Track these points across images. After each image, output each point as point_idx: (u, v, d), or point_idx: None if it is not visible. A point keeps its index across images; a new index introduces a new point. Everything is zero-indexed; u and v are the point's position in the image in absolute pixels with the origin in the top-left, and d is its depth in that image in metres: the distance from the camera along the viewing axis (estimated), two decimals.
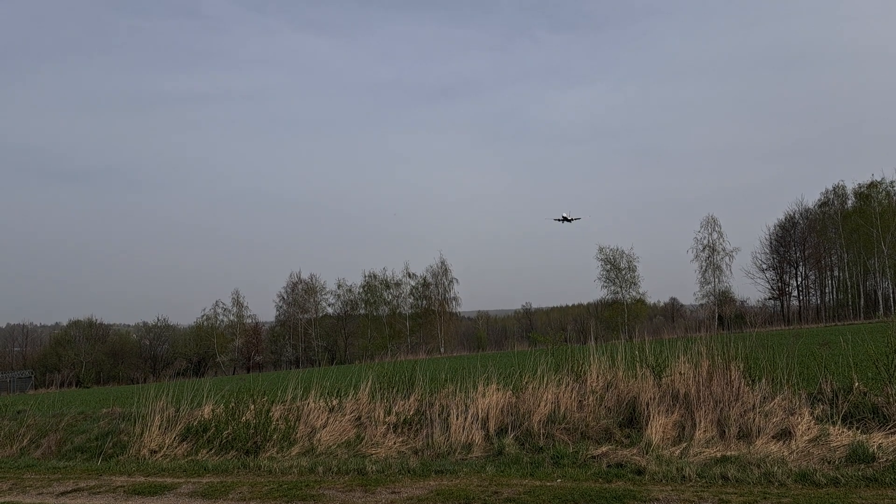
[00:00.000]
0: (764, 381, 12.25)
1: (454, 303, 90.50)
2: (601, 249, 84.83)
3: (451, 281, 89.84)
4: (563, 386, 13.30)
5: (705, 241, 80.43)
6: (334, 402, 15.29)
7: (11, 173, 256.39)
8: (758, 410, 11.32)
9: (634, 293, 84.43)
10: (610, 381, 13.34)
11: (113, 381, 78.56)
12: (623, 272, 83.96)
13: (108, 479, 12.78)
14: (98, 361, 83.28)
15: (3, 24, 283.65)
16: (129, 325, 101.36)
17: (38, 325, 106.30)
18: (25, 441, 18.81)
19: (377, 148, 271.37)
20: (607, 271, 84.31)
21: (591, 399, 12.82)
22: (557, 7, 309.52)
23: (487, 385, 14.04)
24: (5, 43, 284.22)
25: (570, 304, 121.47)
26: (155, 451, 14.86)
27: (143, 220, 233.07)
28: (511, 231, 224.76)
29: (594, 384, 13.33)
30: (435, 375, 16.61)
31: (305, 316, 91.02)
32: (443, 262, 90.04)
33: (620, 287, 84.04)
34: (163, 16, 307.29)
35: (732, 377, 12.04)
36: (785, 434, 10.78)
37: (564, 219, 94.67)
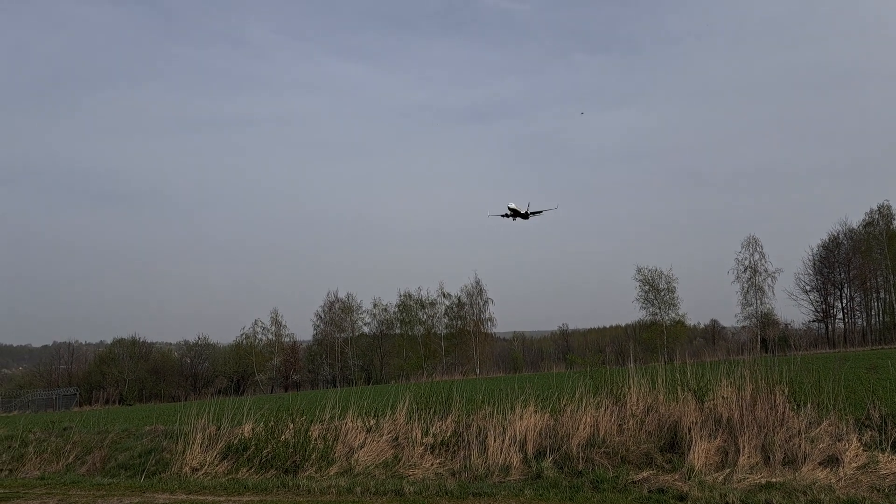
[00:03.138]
0: (809, 406, 11.96)
1: (489, 323, 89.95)
2: (639, 270, 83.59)
3: (487, 301, 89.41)
4: (603, 409, 13.16)
5: (747, 262, 78.81)
6: (372, 423, 15.35)
7: (63, 194, 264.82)
8: (803, 436, 11.05)
9: (674, 314, 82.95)
10: (650, 405, 13.16)
11: (155, 399, 79.81)
12: (662, 293, 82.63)
13: (151, 496, 12.99)
14: (141, 379, 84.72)
15: (57, 51, 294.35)
16: (170, 344, 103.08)
17: (84, 343, 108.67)
18: (71, 457, 19.25)
19: (412, 169, 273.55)
20: (646, 292, 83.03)
21: (631, 423, 12.66)
22: (593, 30, 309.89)
23: (525, 407, 13.95)
24: (59, 70, 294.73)
25: (608, 326, 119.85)
26: (196, 469, 15.07)
27: (185, 240, 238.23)
28: (547, 251, 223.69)
29: (634, 407, 13.16)
30: (471, 396, 16.59)
31: (342, 335, 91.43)
32: (478, 283, 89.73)
33: (659, 308, 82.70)
34: (209, 43, 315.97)
35: (777, 402, 11.78)
36: (832, 461, 10.50)
37: (515, 213, 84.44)
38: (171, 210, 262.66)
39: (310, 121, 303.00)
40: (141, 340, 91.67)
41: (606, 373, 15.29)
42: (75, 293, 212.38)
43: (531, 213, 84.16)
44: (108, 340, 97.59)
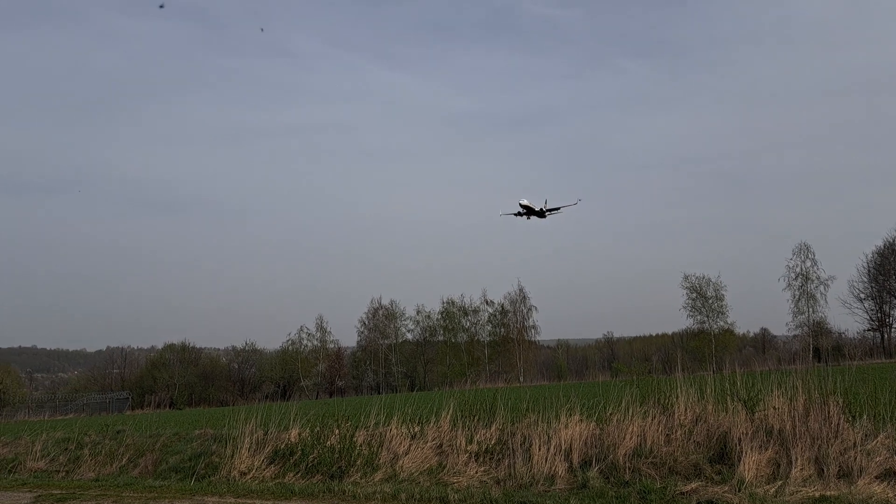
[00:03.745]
0: (865, 417, 11.60)
1: (533, 331, 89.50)
2: (686, 277, 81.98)
3: (530, 309, 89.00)
4: (650, 418, 12.97)
5: (798, 269, 76.66)
6: (416, 429, 15.40)
7: (116, 203, 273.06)
8: (859, 449, 10.72)
9: (722, 323, 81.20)
10: (699, 415, 12.92)
11: (204, 403, 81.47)
12: (710, 301, 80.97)
13: (201, 498, 13.28)
14: (190, 384, 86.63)
15: (111, 66, 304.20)
16: (219, 349, 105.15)
17: (136, 348, 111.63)
18: (124, 460, 19.76)
19: (456, 176, 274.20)
20: (693, 300, 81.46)
21: (679, 433, 12.45)
22: (636, 34, 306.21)
23: (570, 416, 13.83)
24: (111, 83, 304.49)
25: (654, 334, 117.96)
26: (244, 473, 15.34)
27: (233, 247, 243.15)
28: (591, 258, 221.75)
29: (682, 417, 12.94)
30: (516, 405, 16.50)
31: (386, 342, 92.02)
32: (521, 290, 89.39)
33: (707, 316, 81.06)
34: (256, 55, 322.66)
35: (831, 413, 11.46)
36: (889, 474, 10.17)
37: (529, 211, 79.35)
38: (220, 218, 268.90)
39: (355, 129, 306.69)
40: (190, 346, 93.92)
41: (653, 382, 15.06)
42: (128, 299, 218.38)
43: (547, 210, 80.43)
44: (160, 346, 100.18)
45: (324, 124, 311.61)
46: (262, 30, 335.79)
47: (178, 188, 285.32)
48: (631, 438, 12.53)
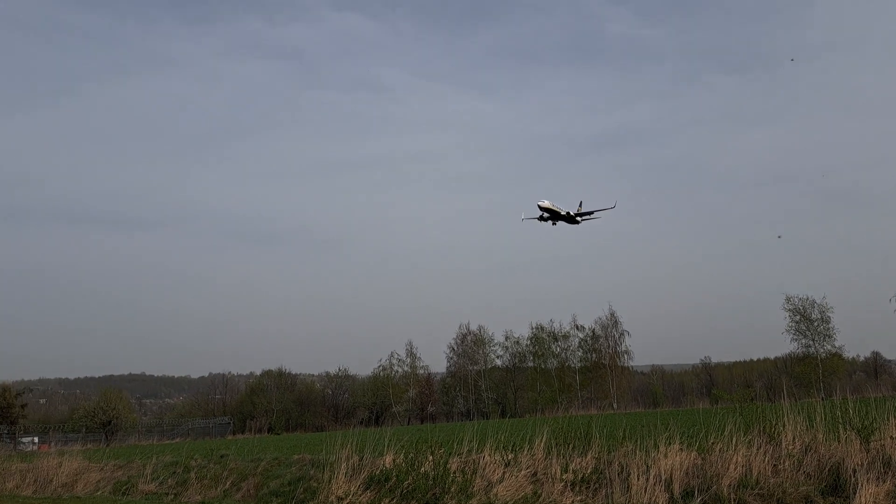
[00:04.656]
0: None
1: (626, 356, 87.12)
2: (788, 299, 77.94)
3: (622, 333, 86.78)
4: (755, 448, 12.41)
5: None
6: (510, 457, 15.30)
7: (214, 237, 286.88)
8: None
9: (829, 347, 76.63)
10: (808, 444, 12.27)
11: (300, 428, 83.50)
12: (815, 323, 76.68)
13: None
14: (287, 409, 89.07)
15: (211, 105, 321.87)
16: (313, 375, 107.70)
17: (236, 374, 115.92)
18: (228, 483, 20.54)
19: (540, 198, 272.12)
20: (796, 322, 77.33)
21: (787, 463, 11.85)
22: (728, 49, 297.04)
23: (669, 444, 13.41)
24: (209, 121, 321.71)
25: (755, 359, 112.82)
26: (342, 499, 15.63)
27: (324, 275, 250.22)
28: (683, 281, 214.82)
29: (790, 447, 12.32)
30: (611, 432, 16.14)
31: (475, 367, 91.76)
32: (612, 314, 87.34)
33: (812, 340, 76.73)
34: (345, 89, 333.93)
35: None
36: None
37: (552, 214, 72.16)
38: (311, 248, 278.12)
39: (441, 157, 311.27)
40: (287, 372, 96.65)
41: (757, 409, 14.42)
42: (228, 328, 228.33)
43: (580, 214, 74.49)
44: (258, 372, 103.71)
45: (411, 153, 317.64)
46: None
47: (273, 220, 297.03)
48: (735, 468, 12.02)
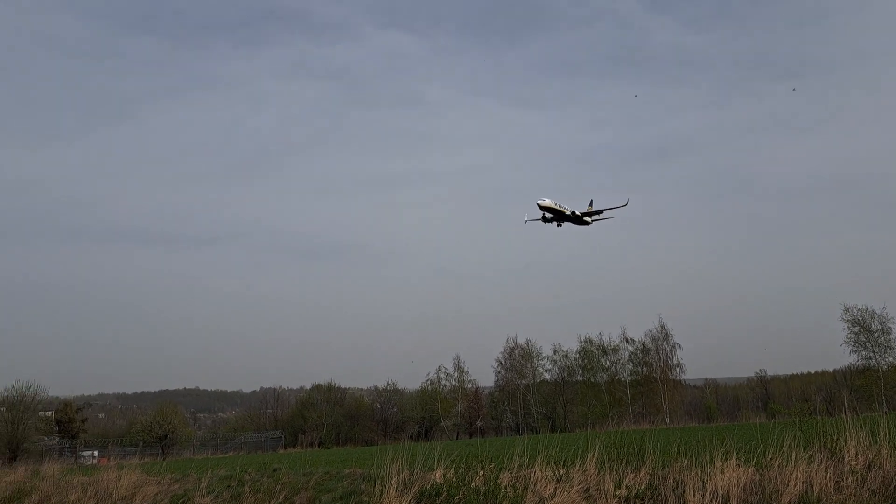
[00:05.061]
0: None
1: (678, 370, 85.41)
2: (847, 310, 75.24)
3: (674, 346, 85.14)
4: (815, 464, 12.05)
5: None
6: (561, 472, 15.14)
7: (266, 255, 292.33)
8: None
9: (891, 358, 73.77)
10: (872, 460, 11.86)
11: (350, 443, 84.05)
12: (876, 335, 73.94)
13: None
14: (337, 423, 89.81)
15: (257, 125, 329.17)
16: (361, 389, 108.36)
17: (286, 388, 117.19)
18: (281, 497, 20.81)
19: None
20: (856, 334, 74.66)
21: (850, 479, 11.47)
22: (777, 56, 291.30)
23: (725, 460, 13.10)
24: (260, 141, 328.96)
25: (813, 371, 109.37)
26: None
27: (372, 290, 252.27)
28: (737, 293, 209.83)
29: (853, 462, 11.92)
30: (665, 447, 15.86)
31: (523, 381, 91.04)
32: (663, 326, 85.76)
33: (873, 352, 73.96)
34: (391, 106, 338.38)
35: None
36: None
37: (556, 214, 67.37)
38: (358, 263, 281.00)
39: (488, 170, 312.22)
40: (336, 386, 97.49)
41: (817, 424, 13.99)
42: (279, 342, 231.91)
43: (588, 213, 70.42)
44: (308, 386, 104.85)
45: (456, 167, 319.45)
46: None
47: (322, 236, 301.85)
48: (795, 485, 11.68)
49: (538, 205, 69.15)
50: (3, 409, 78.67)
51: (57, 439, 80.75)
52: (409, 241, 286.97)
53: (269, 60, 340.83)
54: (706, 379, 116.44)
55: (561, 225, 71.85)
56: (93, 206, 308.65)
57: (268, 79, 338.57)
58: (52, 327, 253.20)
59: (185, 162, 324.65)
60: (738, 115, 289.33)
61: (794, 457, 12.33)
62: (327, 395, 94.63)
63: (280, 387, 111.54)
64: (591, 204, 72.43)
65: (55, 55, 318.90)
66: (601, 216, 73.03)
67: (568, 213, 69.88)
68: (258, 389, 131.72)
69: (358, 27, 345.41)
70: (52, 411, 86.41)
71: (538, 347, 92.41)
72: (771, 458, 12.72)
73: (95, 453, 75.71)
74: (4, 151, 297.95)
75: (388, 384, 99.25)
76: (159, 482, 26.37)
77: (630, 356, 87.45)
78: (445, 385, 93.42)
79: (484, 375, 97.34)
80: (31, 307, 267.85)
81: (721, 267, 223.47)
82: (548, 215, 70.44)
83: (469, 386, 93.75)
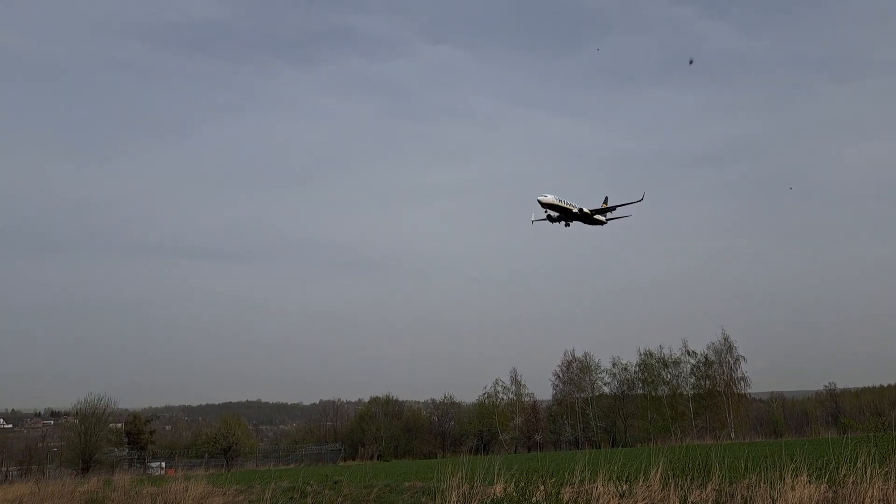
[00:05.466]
0: None
1: (742, 383, 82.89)
2: None
3: (738, 359, 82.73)
4: (893, 481, 11.59)
5: None
6: (624, 487, 14.93)
7: (323, 268, 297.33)
8: None
9: None
10: None
11: (408, 455, 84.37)
12: None
13: None
14: (395, 436, 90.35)
15: (311, 141, 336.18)
16: (418, 402, 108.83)
17: (345, 401, 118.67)
18: None
19: (644, 222, 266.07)
20: None
21: None
22: (838, 56, 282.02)
23: (796, 476, 12.71)
24: (314, 155, 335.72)
25: (886, 385, 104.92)
26: None
27: (426, 302, 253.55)
28: (801, 302, 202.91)
29: None
30: (732, 463, 15.45)
31: (582, 395, 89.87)
32: (726, 339, 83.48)
33: None
34: (442, 118, 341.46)
35: None
36: None
37: (564, 213, 61.88)
38: (413, 275, 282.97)
39: (537, 180, 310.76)
40: (393, 399, 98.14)
41: (893, 439, 13.45)
42: (336, 355, 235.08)
43: (600, 211, 64.90)
44: (366, 398, 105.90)
45: (506, 177, 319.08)
46: None
47: (375, 249, 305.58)
48: (871, 503, 11.25)
49: (539, 201, 64.21)
50: (77, 421, 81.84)
51: (126, 450, 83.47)
52: (463, 253, 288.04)
53: (324, 77, 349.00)
54: (772, 392, 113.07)
55: (569, 224, 67.60)
56: (157, 221, 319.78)
57: (321, 95, 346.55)
58: (120, 342, 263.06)
59: (240, 178, 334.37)
60: (796, 119, 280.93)
61: (868, 473, 11.89)
62: (385, 408, 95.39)
63: (338, 399, 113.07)
64: (605, 201, 68.22)
65: (123, 76, 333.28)
66: (615, 213, 68.31)
67: (575, 210, 65.61)
68: (317, 402, 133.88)
69: (409, 43, 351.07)
70: (122, 423, 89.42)
71: (596, 360, 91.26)
72: (844, 475, 12.30)
73: (163, 464, 77.99)
74: (77, 171, 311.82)
75: (445, 397, 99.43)
76: (224, 493, 27.02)
77: (692, 369, 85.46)
78: (503, 398, 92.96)
79: (541, 388, 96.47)
80: (100, 323, 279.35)
81: (783, 276, 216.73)
82: (553, 214, 66.14)
83: (527, 399, 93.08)
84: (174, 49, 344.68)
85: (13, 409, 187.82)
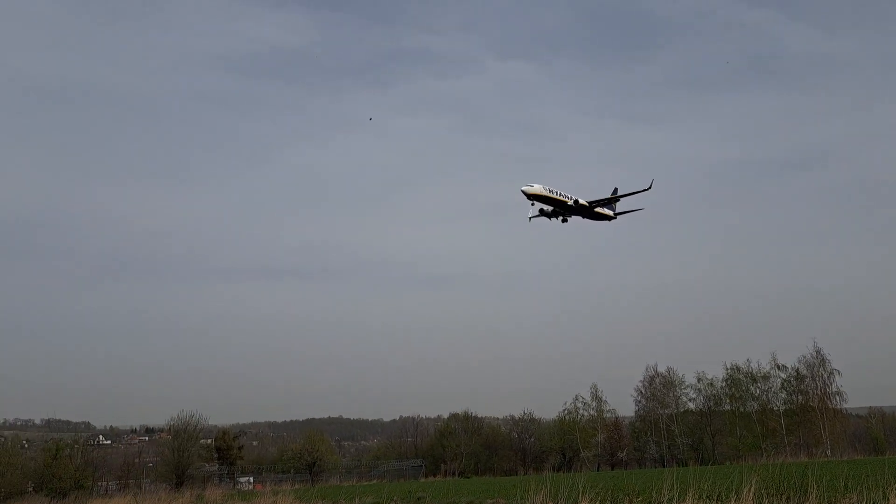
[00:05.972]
0: None
1: (837, 398, 79.00)
2: None
3: (832, 373, 78.93)
4: None
5: None
6: None
7: (399, 286, 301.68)
8: None
9: None
10: None
11: (489, 472, 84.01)
12: None
13: None
14: (475, 452, 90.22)
15: (385, 160, 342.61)
16: (497, 418, 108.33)
17: (425, 417, 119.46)
18: None
19: (721, 230, 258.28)
20: None
21: None
22: None
23: None
24: (388, 174, 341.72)
25: None
26: None
27: (502, 317, 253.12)
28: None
29: None
30: (830, 482, 14.85)
31: (666, 411, 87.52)
32: (819, 352, 79.78)
33: None
34: (512, 133, 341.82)
35: None
36: None
37: (560, 207, 54.92)
38: (488, 290, 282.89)
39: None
40: (473, 415, 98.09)
41: None
42: (415, 372, 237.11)
43: (599, 203, 57.86)
44: (445, 414, 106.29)
45: (579, 188, 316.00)
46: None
47: (449, 264, 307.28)
48: None
49: (524, 192, 56.71)
50: (170, 437, 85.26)
51: (217, 466, 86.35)
52: (538, 268, 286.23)
53: (396, 98, 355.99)
54: (871, 407, 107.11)
55: (567, 220, 61.34)
56: (240, 242, 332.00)
57: (394, 116, 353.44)
58: (209, 360, 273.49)
59: (317, 199, 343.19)
60: (885, 120, 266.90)
61: None
62: (465, 425, 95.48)
63: (418, 415, 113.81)
64: (615, 191, 62.44)
65: (204, 106, 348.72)
66: (624, 208, 62.68)
67: (570, 202, 59.13)
68: (397, 418, 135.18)
69: (479, 60, 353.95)
70: (212, 439, 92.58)
71: (680, 375, 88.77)
72: None
73: (251, 479, 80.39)
74: (165, 198, 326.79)
75: (524, 413, 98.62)
76: None
77: (783, 384, 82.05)
78: (583, 415, 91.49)
79: (622, 404, 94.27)
80: (190, 343, 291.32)
81: (876, 284, 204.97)
82: (546, 207, 59.89)
83: (608, 415, 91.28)
84: (253, 78, 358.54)
85: (111, 426, 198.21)
